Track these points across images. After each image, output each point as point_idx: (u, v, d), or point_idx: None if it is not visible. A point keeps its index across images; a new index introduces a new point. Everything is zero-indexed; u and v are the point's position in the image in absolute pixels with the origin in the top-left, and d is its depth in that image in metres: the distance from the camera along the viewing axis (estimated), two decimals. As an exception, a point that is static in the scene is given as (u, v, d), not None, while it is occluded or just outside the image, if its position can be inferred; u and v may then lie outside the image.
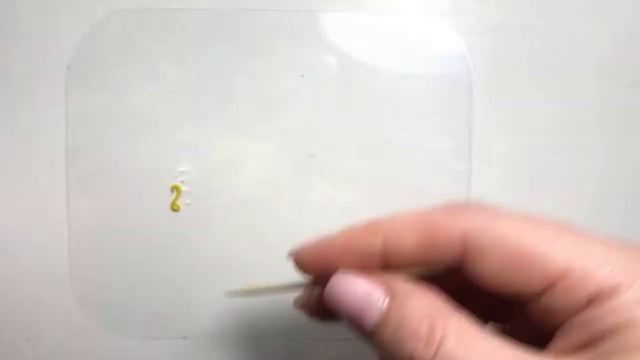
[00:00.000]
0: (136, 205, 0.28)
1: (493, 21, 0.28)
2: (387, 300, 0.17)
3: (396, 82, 0.28)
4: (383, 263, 0.17)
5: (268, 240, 0.28)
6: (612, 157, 0.28)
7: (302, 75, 0.27)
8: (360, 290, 0.17)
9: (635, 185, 0.29)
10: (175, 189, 0.27)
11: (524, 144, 0.28)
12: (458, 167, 0.28)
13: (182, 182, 0.28)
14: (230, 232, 0.28)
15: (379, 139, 0.28)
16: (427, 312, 0.16)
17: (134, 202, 0.28)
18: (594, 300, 0.15)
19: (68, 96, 0.27)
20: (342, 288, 0.17)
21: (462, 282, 0.17)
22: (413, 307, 0.16)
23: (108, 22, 0.27)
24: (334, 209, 0.28)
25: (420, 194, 0.28)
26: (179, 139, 0.27)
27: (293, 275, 0.19)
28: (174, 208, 0.28)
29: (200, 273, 0.28)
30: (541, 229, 0.16)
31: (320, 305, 0.19)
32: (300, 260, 0.19)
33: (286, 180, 0.28)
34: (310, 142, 0.28)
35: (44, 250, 0.27)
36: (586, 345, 0.15)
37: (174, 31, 0.27)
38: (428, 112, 0.28)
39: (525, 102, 0.28)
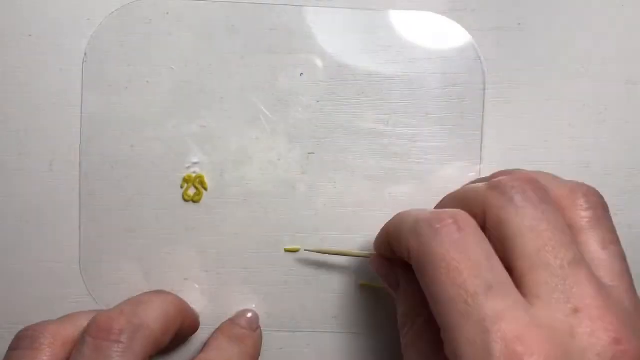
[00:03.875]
0: (148, 196, 0.28)
1: (493, 19, 0.29)
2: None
3: (400, 78, 0.28)
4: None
5: (276, 232, 0.28)
6: (611, 153, 0.29)
7: (301, 74, 0.28)
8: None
9: (633, 181, 0.29)
10: (187, 180, 0.28)
11: (523, 140, 0.29)
12: (466, 164, 0.29)
13: (194, 172, 0.28)
14: (240, 222, 0.28)
15: (384, 137, 0.29)
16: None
17: (146, 193, 0.28)
18: None
19: (83, 90, 0.28)
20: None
21: None
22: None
23: (121, 14, 0.28)
24: (337, 206, 0.28)
25: (426, 192, 0.29)
26: (192, 131, 0.28)
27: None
28: (186, 199, 0.28)
29: (212, 264, 0.28)
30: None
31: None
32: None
33: (292, 174, 0.28)
34: (311, 139, 0.28)
35: (54, 240, 0.28)
36: None
37: (186, 23, 0.28)
38: (435, 109, 0.28)
39: (524, 100, 0.29)
